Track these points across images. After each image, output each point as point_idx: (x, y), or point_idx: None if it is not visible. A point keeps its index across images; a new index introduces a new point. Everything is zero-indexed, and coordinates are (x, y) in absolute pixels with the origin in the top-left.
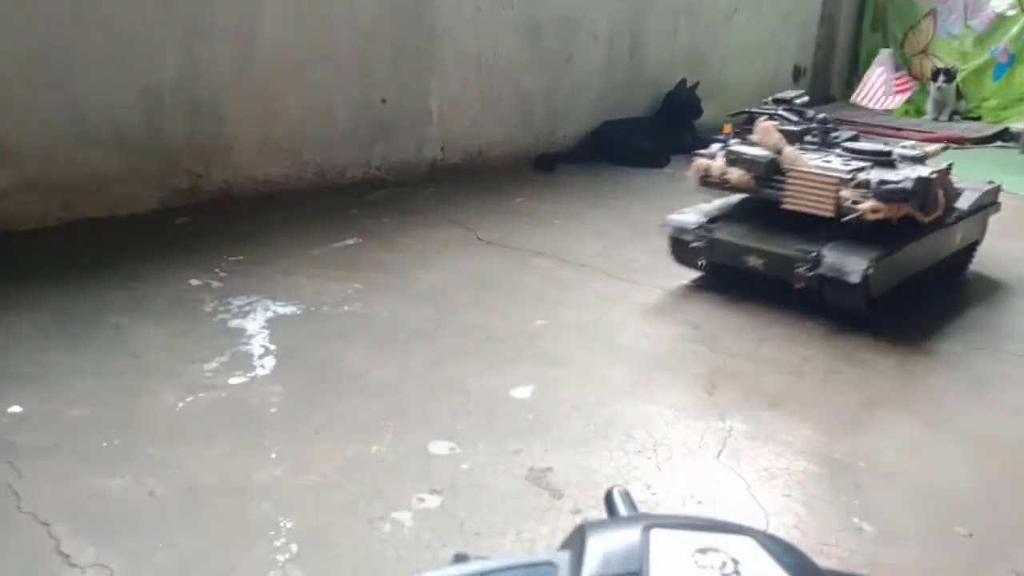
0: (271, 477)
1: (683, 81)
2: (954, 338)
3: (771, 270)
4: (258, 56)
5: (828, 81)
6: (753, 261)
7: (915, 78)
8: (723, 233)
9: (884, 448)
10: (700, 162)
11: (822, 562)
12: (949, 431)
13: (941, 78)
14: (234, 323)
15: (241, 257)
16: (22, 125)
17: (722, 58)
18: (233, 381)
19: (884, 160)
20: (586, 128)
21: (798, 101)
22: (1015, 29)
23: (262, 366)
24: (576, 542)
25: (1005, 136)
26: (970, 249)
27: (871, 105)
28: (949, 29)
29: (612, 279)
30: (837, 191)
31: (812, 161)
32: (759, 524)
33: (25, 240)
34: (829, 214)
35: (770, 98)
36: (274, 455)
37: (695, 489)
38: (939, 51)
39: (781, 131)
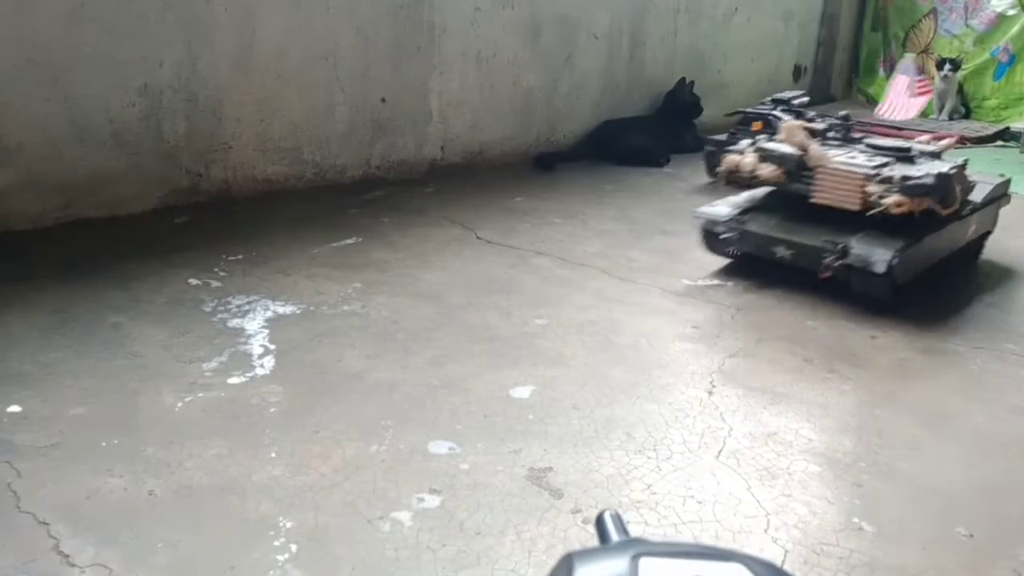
0: (270, 477)
1: (683, 80)
2: (960, 332)
3: (799, 260)
4: (257, 55)
5: (829, 80)
6: (782, 252)
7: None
8: (754, 225)
9: (884, 448)
10: (731, 158)
11: (822, 563)
12: (950, 430)
13: (947, 67)
14: (233, 323)
15: (240, 257)
16: (21, 124)
17: (723, 57)
18: (232, 381)
19: (904, 156)
20: (586, 127)
21: (796, 102)
22: (1015, 28)
23: (261, 366)
24: (563, 572)
25: (1005, 135)
26: (982, 238)
27: (895, 116)
28: (949, 28)
29: (612, 279)
30: (863, 186)
31: (837, 157)
32: (759, 524)
33: (24, 240)
34: (856, 208)
35: (769, 99)
36: (273, 455)
37: (695, 489)
38: (940, 50)
39: (806, 129)
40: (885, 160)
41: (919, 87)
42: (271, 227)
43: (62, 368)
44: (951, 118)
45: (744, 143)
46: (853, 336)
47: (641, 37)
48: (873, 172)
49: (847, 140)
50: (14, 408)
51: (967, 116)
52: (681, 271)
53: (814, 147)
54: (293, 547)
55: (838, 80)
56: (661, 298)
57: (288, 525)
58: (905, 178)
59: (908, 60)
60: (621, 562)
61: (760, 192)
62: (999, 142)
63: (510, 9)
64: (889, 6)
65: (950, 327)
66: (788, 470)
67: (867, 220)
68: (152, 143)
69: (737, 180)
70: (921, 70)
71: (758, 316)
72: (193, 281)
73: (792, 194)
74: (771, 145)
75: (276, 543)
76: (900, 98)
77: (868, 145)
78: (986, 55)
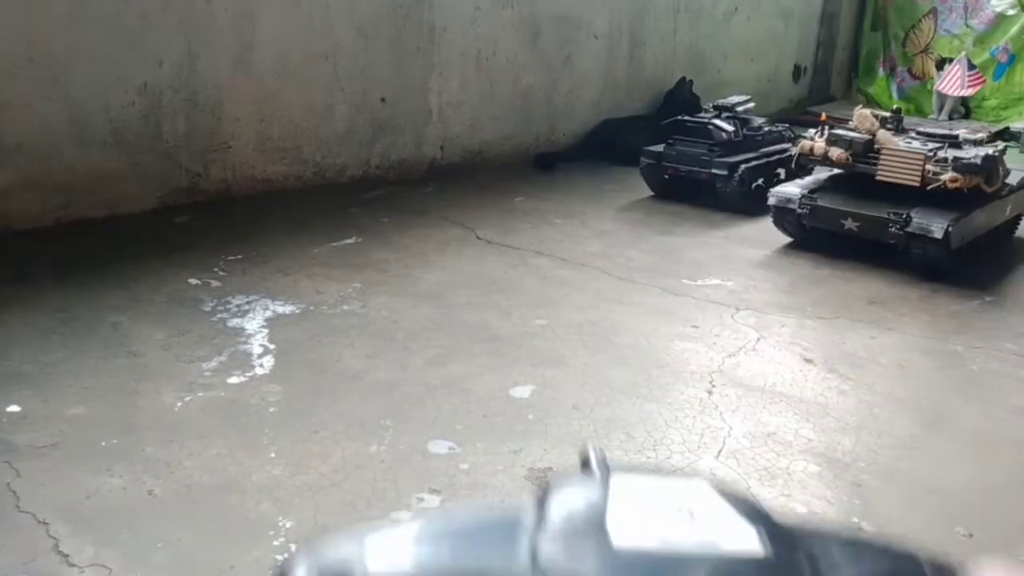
0: (270, 476)
1: (683, 79)
2: (961, 332)
3: (865, 231)
4: (257, 55)
5: (828, 80)
6: (849, 224)
7: (917, 77)
8: (824, 201)
9: (884, 448)
10: (804, 143)
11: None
12: (950, 430)
13: (947, 68)
14: (233, 322)
15: (240, 256)
16: (21, 124)
17: (722, 57)
18: (232, 380)
19: (954, 142)
20: (586, 127)
21: (740, 108)
22: (1015, 28)
23: (261, 365)
24: (542, 491)
25: (1005, 135)
26: (1016, 219)
27: (950, 92)
28: (949, 28)
29: (612, 278)
30: (924, 165)
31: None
32: None
33: (24, 239)
34: (916, 184)
35: (711, 104)
36: (273, 454)
37: None
38: (940, 50)
39: (875, 116)
40: (938, 144)
41: (971, 80)
42: (271, 227)
43: (62, 368)
44: (951, 118)
45: (812, 131)
46: (853, 336)
47: (641, 37)
48: (931, 153)
49: (899, 130)
50: (14, 408)
51: (967, 116)
52: (681, 271)
53: (882, 132)
54: (293, 547)
55: (838, 79)
56: (661, 298)
57: (288, 525)
58: (958, 159)
59: (964, 55)
60: (595, 480)
61: (823, 175)
62: (999, 142)
63: (510, 9)
64: (889, 6)
65: (950, 327)
66: (788, 470)
67: (920, 197)
68: (152, 143)
69: (810, 161)
70: (973, 66)
71: (757, 316)
72: (193, 281)
73: (855, 175)
74: (841, 131)
75: (276, 543)
76: (953, 78)
77: (919, 132)
78: (986, 55)
